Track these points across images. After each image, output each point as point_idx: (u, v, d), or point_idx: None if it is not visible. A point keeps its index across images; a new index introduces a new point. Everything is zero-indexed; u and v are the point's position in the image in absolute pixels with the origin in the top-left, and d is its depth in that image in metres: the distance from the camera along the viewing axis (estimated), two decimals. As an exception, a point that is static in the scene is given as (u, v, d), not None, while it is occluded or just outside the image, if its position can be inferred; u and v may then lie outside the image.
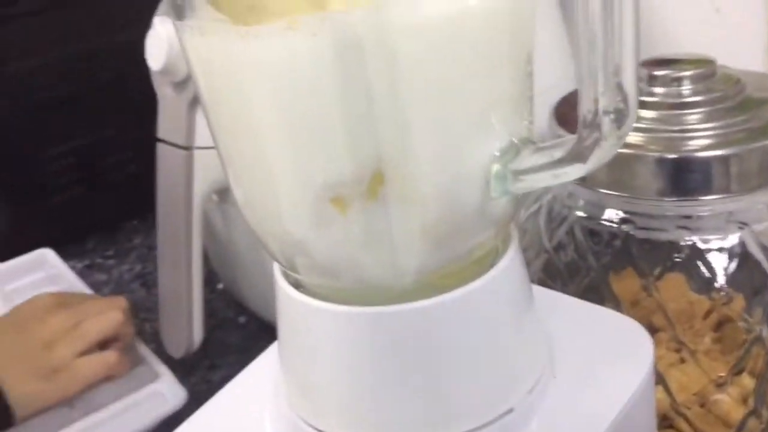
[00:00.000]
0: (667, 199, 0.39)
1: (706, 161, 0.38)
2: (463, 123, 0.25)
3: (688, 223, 0.39)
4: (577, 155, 0.23)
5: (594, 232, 0.41)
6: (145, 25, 0.49)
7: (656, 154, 0.38)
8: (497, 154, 0.26)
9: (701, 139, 0.38)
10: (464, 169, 0.26)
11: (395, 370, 0.29)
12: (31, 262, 0.71)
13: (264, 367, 0.36)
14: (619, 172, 0.39)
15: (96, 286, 0.70)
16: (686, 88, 0.40)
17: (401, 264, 0.28)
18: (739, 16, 0.60)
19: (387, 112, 0.24)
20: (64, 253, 0.74)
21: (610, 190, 0.39)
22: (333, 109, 0.24)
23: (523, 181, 0.26)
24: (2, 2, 0.71)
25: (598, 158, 0.23)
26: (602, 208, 0.41)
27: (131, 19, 0.68)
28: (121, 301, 0.55)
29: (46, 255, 0.71)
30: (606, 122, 0.23)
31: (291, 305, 0.31)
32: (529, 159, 0.26)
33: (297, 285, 0.31)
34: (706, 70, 0.41)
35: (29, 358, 0.49)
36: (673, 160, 0.38)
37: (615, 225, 0.39)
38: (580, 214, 0.41)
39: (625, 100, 0.23)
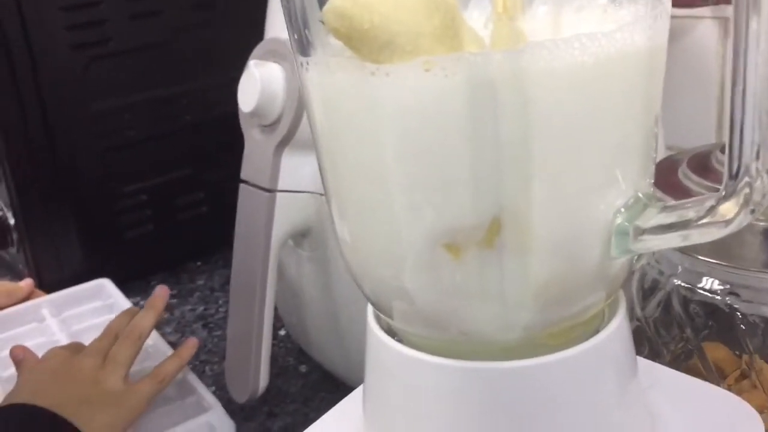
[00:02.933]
0: (775, 272, 0.37)
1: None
2: (590, 174, 0.24)
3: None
4: (717, 214, 0.22)
5: (690, 301, 0.39)
6: (234, 70, 0.50)
7: (765, 224, 0.36)
8: (622, 209, 0.25)
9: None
10: (586, 222, 0.25)
11: (490, 429, 0.27)
12: (89, 290, 0.71)
13: (345, 412, 0.35)
14: (724, 240, 0.37)
15: (158, 326, 0.70)
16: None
17: (510, 318, 0.27)
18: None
19: (513, 158, 0.23)
20: (128, 290, 0.74)
21: (713, 258, 0.37)
22: (460, 151, 0.23)
23: (646, 241, 0.25)
24: (94, 42, 0.73)
25: (741, 220, 0.22)
26: (700, 276, 0.39)
27: (218, 63, 0.71)
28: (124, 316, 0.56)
29: (104, 284, 0.72)
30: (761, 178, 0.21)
31: (383, 352, 0.30)
32: (656, 217, 0.25)
33: (390, 332, 0.30)
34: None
35: (88, 395, 0.48)
36: (783, 230, 0.36)
37: (717, 297, 0.37)
38: (679, 282, 0.39)
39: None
